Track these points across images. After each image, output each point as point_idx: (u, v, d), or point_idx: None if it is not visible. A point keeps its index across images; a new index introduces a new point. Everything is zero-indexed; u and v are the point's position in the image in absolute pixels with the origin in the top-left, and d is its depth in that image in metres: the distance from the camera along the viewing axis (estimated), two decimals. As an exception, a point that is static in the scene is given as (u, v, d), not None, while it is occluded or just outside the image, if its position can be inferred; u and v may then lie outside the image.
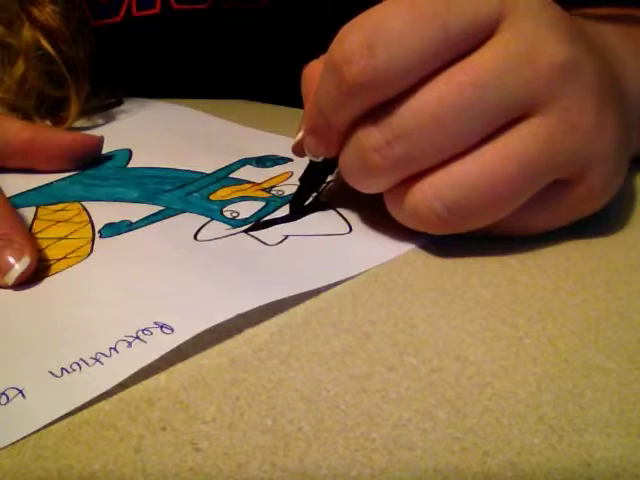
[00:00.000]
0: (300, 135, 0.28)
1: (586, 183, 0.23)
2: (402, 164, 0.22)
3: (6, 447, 0.17)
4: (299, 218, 0.28)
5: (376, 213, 0.28)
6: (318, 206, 0.29)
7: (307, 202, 0.29)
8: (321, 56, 0.27)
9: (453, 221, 0.23)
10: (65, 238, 0.27)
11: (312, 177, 0.28)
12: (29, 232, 0.27)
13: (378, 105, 0.22)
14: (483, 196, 0.22)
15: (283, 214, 0.28)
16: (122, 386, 0.18)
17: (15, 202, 0.30)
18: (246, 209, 0.29)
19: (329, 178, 0.29)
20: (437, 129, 0.21)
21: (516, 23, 0.21)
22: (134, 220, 0.28)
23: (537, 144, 0.22)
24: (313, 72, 0.27)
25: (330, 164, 0.27)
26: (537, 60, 0.21)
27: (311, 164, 0.28)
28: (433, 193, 0.22)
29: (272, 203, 0.29)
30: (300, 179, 0.28)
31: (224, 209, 0.29)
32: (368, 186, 0.24)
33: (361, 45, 0.21)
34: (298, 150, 0.28)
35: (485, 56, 0.21)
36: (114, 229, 0.28)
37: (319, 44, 0.28)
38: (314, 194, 0.29)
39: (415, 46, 0.21)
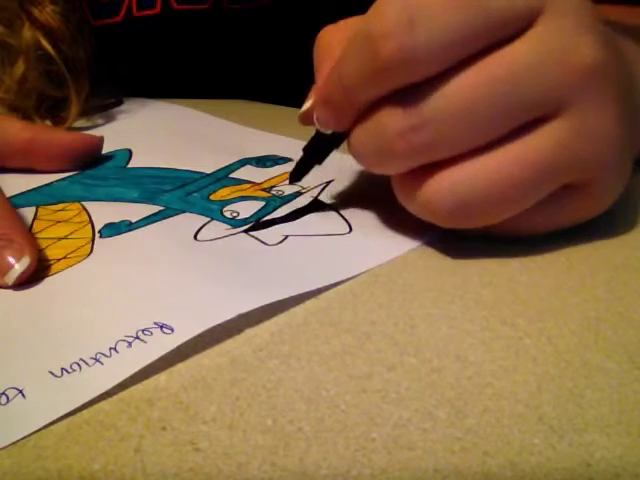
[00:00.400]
0: (309, 104, 0.26)
1: (592, 188, 0.23)
2: (423, 152, 0.22)
3: (6, 447, 0.17)
4: (299, 217, 0.28)
5: (376, 213, 0.28)
6: (318, 206, 0.29)
7: (308, 174, 0.28)
8: (339, 21, 0.26)
9: (461, 216, 0.22)
10: (65, 238, 0.27)
11: (316, 148, 0.27)
12: (29, 232, 0.27)
13: (406, 87, 0.22)
14: (496, 195, 0.22)
15: (283, 214, 0.28)
16: (122, 386, 0.18)
17: (15, 202, 0.30)
18: (246, 209, 0.29)
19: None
20: (465, 119, 0.21)
21: (555, 18, 0.21)
22: (134, 220, 0.28)
23: (554, 149, 0.21)
24: (330, 38, 0.26)
25: (337, 137, 0.26)
26: (570, 60, 0.21)
27: (317, 135, 0.26)
28: (448, 186, 0.22)
29: (272, 203, 0.29)
30: (304, 149, 0.28)
31: (224, 209, 0.29)
32: (379, 168, 0.24)
33: (401, 19, 0.20)
34: (305, 119, 0.27)
35: (521, 49, 0.21)
36: (114, 229, 0.28)
37: None
38: (316, 166, 0.28)
39: (456, 27, 0.20)
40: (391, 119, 0.22)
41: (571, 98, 0.21)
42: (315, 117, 0.25)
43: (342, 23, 0.26)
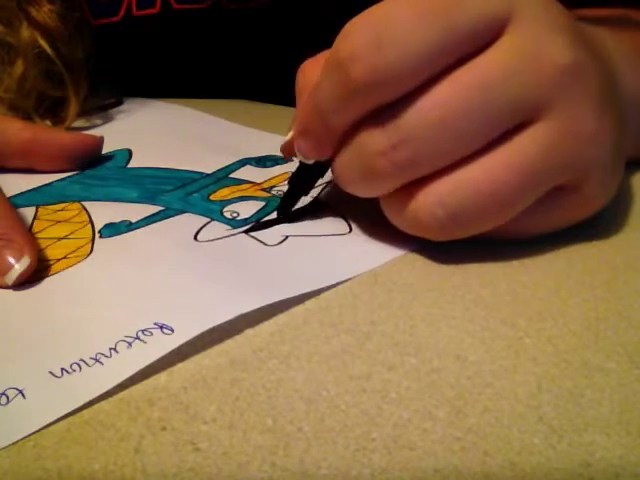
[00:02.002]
0: (290, 135, 0.27)
1: (583, 189, 0.23)
2: (407, 168, 0.22)
3: (6, 447, 0.17)
4: (299, 217, 0.28)
5: (376, 213, 0.28)
6: (318, 206, 0.29)
7: (295, 205, 0.28)
8: (318, 54, 0.26)
9: (454, 228, 0.22)
10: (65, 238, 0.27)
11: (302, 179, 0.27)
12: (29, 232, 0.27)
13: (381, 107, 0.22)
14: (486, 203, 0.22)
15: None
16: (122, 386, 0.18)
17: (15, 202, 0.30)
18: (246, 209, 0.29)
19: (319, 181, 0.28)
20: (444, 132, 0.21)
21: (524, 23, 0.21)
22: (134, 220, 0.28)
23: (540, 152, 0.21)
24: (309, 70, 0.27)
25: (321, 166, 0.26)
26: (543, 62, 0.21)
27: (301, 166, 0.27)
28: (436, 200, 0.22)
29: (272, 203, 0.29)
30: (289, 181, 0.28)
31: (224, 209, 0.29)
32: (367, 191, 0.24)
33: (369, 42, 0.21)
34: (287, 150, 0.27)
35: (492, 58, 0.21)
36: (114, 229, 0.28)
37: (319, 43, 0.28)
38: (303, 197, 0.28)
39: (423, 44, 0.21)
40: (370, 140, 0.22)
41: (550, 100, 0.21)
42: (296, 148, 0.25)
43: (321, 56, 0.26)
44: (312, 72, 0.25)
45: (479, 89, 0.21)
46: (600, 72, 0.22)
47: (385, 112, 0.22)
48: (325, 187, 0.30)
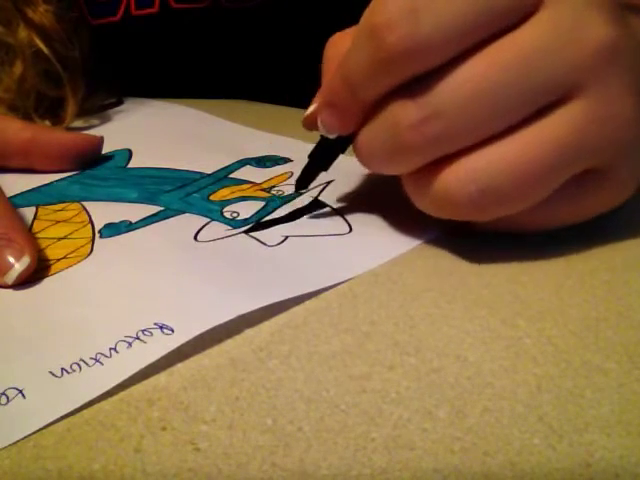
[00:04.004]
0: (313, 107, 0.26)
1: (614, 173, 0.22)
2: (438, 143, 0.21)
3: (6, 447, 0.17)
4: (299, 217, 0.28)
5: (376, 213, 0.28)
6: (318, 206, 0.29)
7: (313, 181, 0.28)
8: (347, 29, 0.26)
9: (486, 206, 0.22)
10: (65, 238, 0.27)
11: (322, 154, 0.27)
12: (29, 232, 0.27)
13: (414, 78, 0.21)
14: (518, 180, 0.21)
15: (283, 214, 0.28)
16: (122, 386, 0.18)
17: (15, 202, 0.30)
18: (246, 209, 0.29)
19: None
20: (477, 107, 0.21)
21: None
22: (134, 220, 0.28)
23: (575, 130, 0.21)
24: (337, 44, 0.26)
25: (342, 142, 0.25)
26: (583, 40, 0.20)
27: (322, 140, 0.26)
28: (468, 175, 0.21)
29: (272, 203, 0.29)
30: (309, 155, 0.27)
31: (224, 210, 0.29)
32: (393, 167, 0.23)
33: (404, 8, 0.20)
34: (309, 123, 0.26)
35: (530, 33, 0.20)
36: (114, 229, 0.28)
37: (319, 43, 0.28)
38: (322, 172, 0.28)
39: (461, 14, 0.20)
40: (401, 113, 0.21)
41: (587, 78, 0.21)
42: (319, 121, 0.25)
43: (350, 30, 0.25)
44: (342, 43, 0.24)
45: (514, 64, 0.20)
46: (637, 53, 0.22)
47: (417, 84, 0.21)
48: (325, 187, 0.30)
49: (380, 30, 0.20)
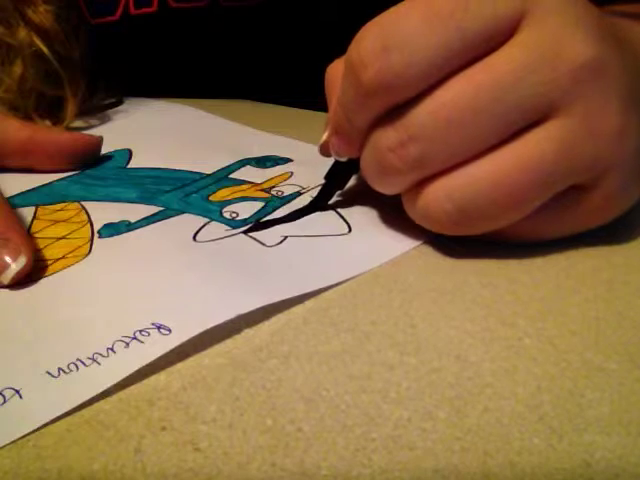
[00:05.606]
0: (326, 135, 0.28)
1: (603, 189, 0.22)
2: (417, 165, 0.22)
3: (6, 447, 0.17)
4: (298, 218, 0.28)
5: (376, 213, 0.28)
6: (318, 206, 0.29)
7: (331, 200, 0.29)
8: (343, 56, 0.27)
9: (463, 222, 0.22)
10: (64, 238, 0.27)
11: (337, 175, 0.29)
12: (26, 232, 0.27)
13: (396, 106, 0.22)
14: (495, 198, 0.21)
15: (282, 214, 0.28)
16: (122, 386, 0.18)
17: (14, 202, 0.30)
18: (245, 210, 0.29)
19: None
20: (452, 131, 0.21)
21: (539, 20, 0.21)
22: (133, 220, 0.28)
23: (554, 149, 0.21)
24: (335, 72, 0.27)
25: (354, 163, 0.26)
26: (559, 60, 0.20)
27: (336, 163, 0.28)
28: (444, 194, 0.22)
29: (271, 203, 0.29)
30: (325, 177, 0.29)
31: (223, 210, 0.29)
32: (385, 187, 0.24)
33: (375, 47, 0.21)
34: (324, 150, 0.28)
35: (504, 56, 0.21)
36: (113, 229, 0.28)
37: (318, 42, 0.28)
38: (338, 191, 0.29)
39: (430, 48, 0.21)
40: (383, 138, 0.23)
41: (568, 98, 0.21)
42: (330, 146, 0.27)
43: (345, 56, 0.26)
44: (339, 73, 0.26)
45: (488, 88, 0.21)
46: (627, 68, 0.22)
47: (397, 111, 0.22)
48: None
49: (357, 67, 0.22)
